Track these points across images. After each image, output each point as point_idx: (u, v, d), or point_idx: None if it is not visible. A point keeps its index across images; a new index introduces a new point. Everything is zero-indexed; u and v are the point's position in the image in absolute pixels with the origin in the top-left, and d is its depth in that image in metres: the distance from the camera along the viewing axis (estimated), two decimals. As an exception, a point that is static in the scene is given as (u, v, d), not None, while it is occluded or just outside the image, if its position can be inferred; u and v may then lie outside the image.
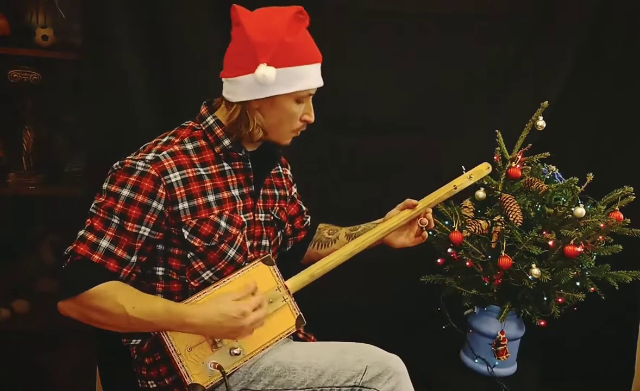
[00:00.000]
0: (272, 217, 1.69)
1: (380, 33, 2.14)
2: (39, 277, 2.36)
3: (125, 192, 1.44)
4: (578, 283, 1.89)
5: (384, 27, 2.14)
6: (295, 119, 1.57)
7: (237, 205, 1.58)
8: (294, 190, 1.87)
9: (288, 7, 1.51)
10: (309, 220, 1.90)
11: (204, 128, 1.58)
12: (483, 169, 1.83)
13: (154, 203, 1.45)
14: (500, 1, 2.21)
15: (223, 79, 1.55)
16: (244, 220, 1.59)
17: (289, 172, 1.84)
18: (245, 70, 1.48)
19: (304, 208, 1.90)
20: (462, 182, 1.80)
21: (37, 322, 2.28)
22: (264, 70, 1.45)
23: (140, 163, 1.47)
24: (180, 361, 1.45)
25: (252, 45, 1.46)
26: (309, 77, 1.53)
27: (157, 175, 1.46)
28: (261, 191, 1.66)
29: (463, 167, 1.84)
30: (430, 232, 2.04)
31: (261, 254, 1.63)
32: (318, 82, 1.57)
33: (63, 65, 2.23)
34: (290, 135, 1.61)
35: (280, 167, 1.79)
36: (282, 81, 1.48)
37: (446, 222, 1.98)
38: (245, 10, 1.52)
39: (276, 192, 1.73)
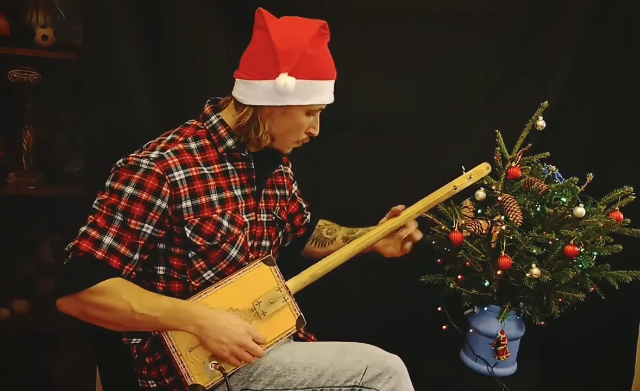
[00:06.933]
0: (273, 217, 1.70)
1: (380, 33, 2.14)
2: (39, 277, 2.36)
3: (129, 189, 1.44)
4: (578, 283, 1.89)
5: (383, 27, 2.14)
6: (302, 131, 1.58)
7: (240, 205, 1.58)
8: (295, 187, 1.87)
9: (313, 20, 1.53)
10: (308, 217, 1.91)
11: (207, 127, 1.58)
12: (483, 169, 1.84)
13: (158, 201, 1.46)
14: (500, 1, 2.20)
15: (237, 79, 1.55)
16: (246, 220, 1.59)
17: (289, 170, 1.85)
18: (264, 76, 1.49)
19: (304, 205, 1.91)
20: (462, 182, 1.81)
21: (37, 322, 2.28)
22: (286, 80, 1.46)
23: (145, 161, 1.47)
24: (181, 362, 1.45)
25: (275, 52, 1.47)
26: (324, 92, 1.55)
27: (161, 173, 1.46)
28: (263, 191, 1.66)
29: (463, 167, 1.85)
30: (430, 232, 2.04)
31: (261, 254, 1.63)
32: (331, 98, 1.59)
33: (63, 65, 2.23)
34: (293, 145, 1.62)
35: (282, 165, 1.79)
36: (300, 92, 1.50)
37: (446, 222, 1.98)
38: (271, 15, 1.53)
39: (277, 192, 1.73)
